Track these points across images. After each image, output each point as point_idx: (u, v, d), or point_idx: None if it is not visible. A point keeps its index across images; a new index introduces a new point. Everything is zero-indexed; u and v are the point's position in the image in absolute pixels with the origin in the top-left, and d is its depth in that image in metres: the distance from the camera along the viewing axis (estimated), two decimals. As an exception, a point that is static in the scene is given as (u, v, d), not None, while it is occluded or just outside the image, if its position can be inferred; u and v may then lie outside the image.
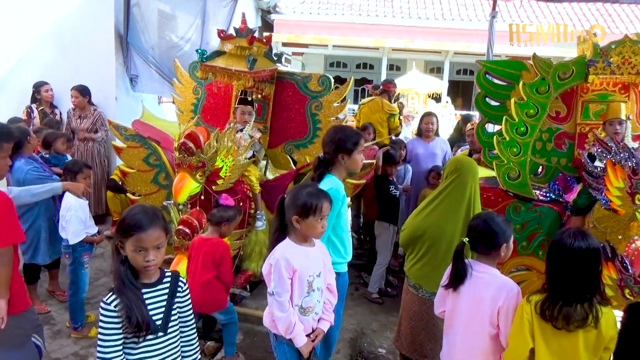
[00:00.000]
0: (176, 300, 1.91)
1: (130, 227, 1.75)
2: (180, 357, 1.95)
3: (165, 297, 1.87)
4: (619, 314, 2.03)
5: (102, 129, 5.68)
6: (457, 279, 2.24)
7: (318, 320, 2.36)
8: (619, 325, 1.97)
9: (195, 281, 3.06)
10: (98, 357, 1.77)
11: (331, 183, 2.66)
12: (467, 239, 2.24)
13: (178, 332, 1.93)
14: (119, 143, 3.97)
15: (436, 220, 2.81)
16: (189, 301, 1.98)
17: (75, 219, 3.53)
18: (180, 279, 1.95)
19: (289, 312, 2.21)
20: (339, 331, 2.96)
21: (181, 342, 1.97)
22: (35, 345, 2.50)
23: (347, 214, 2.88)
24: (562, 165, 3.54)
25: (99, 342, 1.76)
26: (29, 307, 2.50)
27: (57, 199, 3.95)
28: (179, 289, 1.92)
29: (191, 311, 1.99)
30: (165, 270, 1.92)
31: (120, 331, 1.76)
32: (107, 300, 1.76)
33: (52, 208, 3.99)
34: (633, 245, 2.77)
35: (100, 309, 1.77)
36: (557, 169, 3.55)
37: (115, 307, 1.74)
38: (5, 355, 2.36)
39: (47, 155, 4.52)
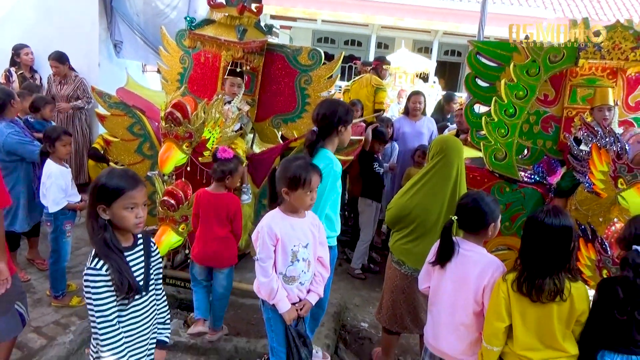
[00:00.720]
0: (151, 260, 1.96)
1: (120, 188, 1.76)
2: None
3: (143, 258, 1.91)
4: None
5: (85, 96, 5.55)
6: (445, 256, 2.27)
7: (307, 292, 2.40)
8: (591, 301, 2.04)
9: (209, 237, 3.09)
10: (100, 322, 1.75)
11: (327, 157, 2.67)
12: (456, 217, 2.27)
13: (154, 289, 1.99)
14: (102, 110, 3.87)
15: (422, 200, 2.83)
16: (160, 260, 2.05)
17: (55, 187, 3.46)
18: (151, 239, 2.01)
19: (272, 278, 2.27)
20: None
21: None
22: (18, 313, 2.47)
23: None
24: (547, 147, 3.58)
25: (96, 308, 1.74)
26: (13, 274, 2.46)
27: (37, 165, 3.86)
28: (152, 248, 1.99)
29: (161, 269, 2.06)
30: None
31: (114, 293, 1.77)
32: (94, 265, 1.74)
33: (31, 174, 3.91)
34: (613, 227, 2.85)
35: (87, 276, 1.75)
36: (542, 152, 3.60)
37: (106, 271, 1.74)
38: (-12, 321, 2.34)
39: (32, 120, 4.40)
